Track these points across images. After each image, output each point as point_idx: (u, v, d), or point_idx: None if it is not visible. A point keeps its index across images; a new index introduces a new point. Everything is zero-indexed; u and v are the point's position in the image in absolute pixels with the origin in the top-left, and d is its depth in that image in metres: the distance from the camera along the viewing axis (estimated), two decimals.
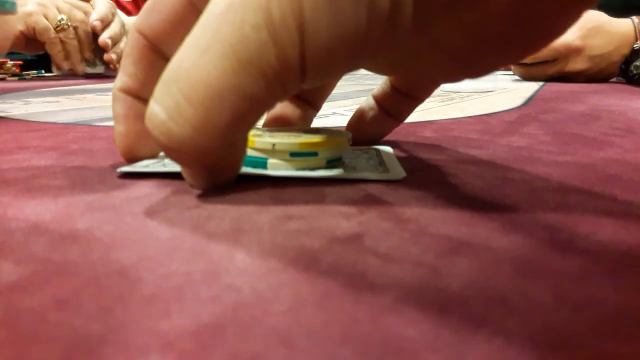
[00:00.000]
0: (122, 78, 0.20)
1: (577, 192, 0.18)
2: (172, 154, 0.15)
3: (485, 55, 0.15)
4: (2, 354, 0.08)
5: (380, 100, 0.25)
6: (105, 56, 0.80)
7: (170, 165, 0.21)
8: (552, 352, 0.09)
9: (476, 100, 0.50)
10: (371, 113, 0.25)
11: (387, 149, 0.25)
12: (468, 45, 0.14)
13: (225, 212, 0.16)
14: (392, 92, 0.24)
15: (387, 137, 0.29)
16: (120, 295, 0.10)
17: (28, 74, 0.84)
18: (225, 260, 0.12)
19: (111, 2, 0.86)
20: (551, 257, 0.13)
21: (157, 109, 0.14)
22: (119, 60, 0.83)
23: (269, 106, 0.15)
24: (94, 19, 0.80)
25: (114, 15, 0.84)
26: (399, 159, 0.23)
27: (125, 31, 0.87)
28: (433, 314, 0.10)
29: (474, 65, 0.16)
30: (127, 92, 0.20)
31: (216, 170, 0.17)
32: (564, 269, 0.12)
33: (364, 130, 0.25)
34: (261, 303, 0.10)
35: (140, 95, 0.20)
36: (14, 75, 0.83)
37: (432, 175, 0.21)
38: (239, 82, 0.13)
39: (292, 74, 0.13)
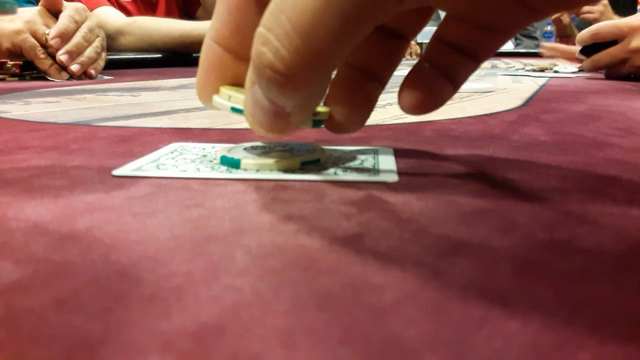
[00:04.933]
0: (215, 26, 0.20)
1: (577, 192, 0.18)
2: (277, 83, 0.16)
3: None
4: (2, 354, 0.08)
5: (432, 57, 0.21)
6: (68, 68, 0.79)
7: (164, 169, 0.21)
8: (552, 352, 0.09)
9: (476, 100, 0.50)
10: (424, 73, 0.21)
11: (387, 150, 0.25)
12: None
13: (225, 212, 0.16)
14: (446, 49, 0.21)
15: (387, 138, 0.29)
16: (120, 295, 0.10)
17: (28, 74, 0.84)
18: (225, 260, 0.12)
19: (80, 5, 0.84)
20: (551, 257, 0.13)
21: (270, 35, 0.15)
22: (84, 69, 0.81)
23: (367, 29, 0.15)
24: (53, 36, 0.77)
25: (78, 22, 0.81)
26: (399, 159, 0.23)
27: (98, 32, 0.84)
28: (433, 314, 0.10)
29: None
30: (218, 42, 0.20)
31: (304, 104, 0.17)
32: (564, 269, 0.12)
33: (416, 93, 0.21)
34: (261, 303, 0.10)
35: (229, 46, 0.20)
36: (14, 75, 0.82)
37: (432, 175, 0.21)
38: (340, 6, 0.14)
39: None
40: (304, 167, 0.21)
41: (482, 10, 0.19)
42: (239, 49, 0.20)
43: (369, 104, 0.21)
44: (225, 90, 0.20)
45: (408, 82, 0.21)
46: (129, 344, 0.09)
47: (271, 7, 0.15)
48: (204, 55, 0.21)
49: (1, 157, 0.24)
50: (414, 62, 0.22)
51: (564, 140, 0.29)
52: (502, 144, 0.28)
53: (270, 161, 0.20)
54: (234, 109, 0.20)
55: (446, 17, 0.20)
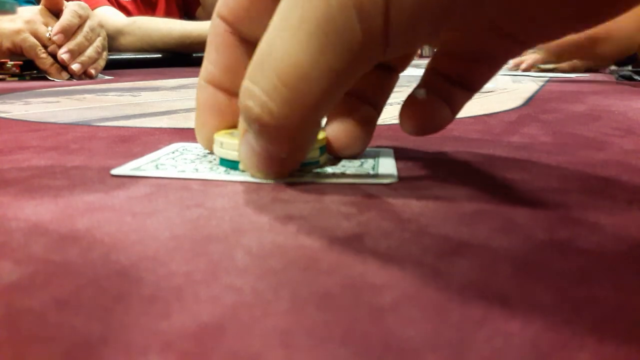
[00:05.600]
0: (206, 66, 0.21)
1: (577, 192, 0.18)
2: (267, 134, 0.16)
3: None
4: (2, 354, 0.08)
5: (429, 84, 0.21)
6: (69, 68, 0.79)
7: (162, 169, 0.21)
8: (552, 352, 0.09)
9: (476, 100, 0.50)
10: (422, 98, 0.21)
11: (387, 150, 0.25)
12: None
13: (225, 212, 0.16)
14: (440, 79, 0.21)
15: (387, 137, 0.29)
16: (120, 296, 0.10)
17: (28, 74, 0.84)
18: (225, 260, 0.12)
19: (82, 3, 0.84)
20: (551, 257, 0.13)
21: (256, 89, 0.15)
22: (85, 68, 0.81)
23: (354, 79, 0.15)
24: (56, 31, 0.77)
25: (82, 17, 0.81)
26: (399, 159, 0.23)
27: (99, 31, 0.84)
28: (433, 314, 0.10)
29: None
30: (210, 82, 0.20)
31: (297, 150, 0.17)
32: (564, 269, 0.12)
33: (415, 117, 0.21)
34: (261, 303, 0.10)
35: (222, 85, 0.20)
36: (14, 75, 0.82)
37: (432, 175, 0.21)
38: (327, 60, 0.14)
39: (375, 45, 0.14)
40: (304, 169, 0.20)
41: (470, 45, 0.19)
42: (231, 86, 0.20)
43: (367, 125, 0.21)
44: (218, 138, 0.20)
45: (407, 106, 0.21)
46: (129, 344, 0.09)
47: (256, 60, 0.15)
48: (199, 96, 0.21)
49: (1, 157, 0.24)
50: (415, 61, 0.23)
51: (564, 140, 0.29)
52: (502, 144, 0.28)
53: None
54: (222, 162, 0.20)
55: (436, 51, 0.20)
